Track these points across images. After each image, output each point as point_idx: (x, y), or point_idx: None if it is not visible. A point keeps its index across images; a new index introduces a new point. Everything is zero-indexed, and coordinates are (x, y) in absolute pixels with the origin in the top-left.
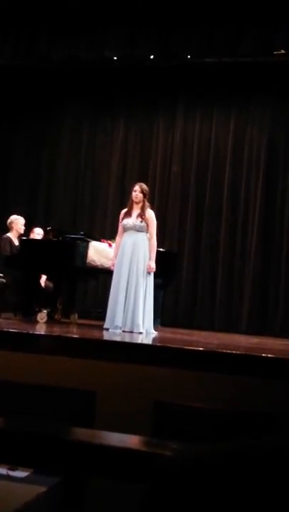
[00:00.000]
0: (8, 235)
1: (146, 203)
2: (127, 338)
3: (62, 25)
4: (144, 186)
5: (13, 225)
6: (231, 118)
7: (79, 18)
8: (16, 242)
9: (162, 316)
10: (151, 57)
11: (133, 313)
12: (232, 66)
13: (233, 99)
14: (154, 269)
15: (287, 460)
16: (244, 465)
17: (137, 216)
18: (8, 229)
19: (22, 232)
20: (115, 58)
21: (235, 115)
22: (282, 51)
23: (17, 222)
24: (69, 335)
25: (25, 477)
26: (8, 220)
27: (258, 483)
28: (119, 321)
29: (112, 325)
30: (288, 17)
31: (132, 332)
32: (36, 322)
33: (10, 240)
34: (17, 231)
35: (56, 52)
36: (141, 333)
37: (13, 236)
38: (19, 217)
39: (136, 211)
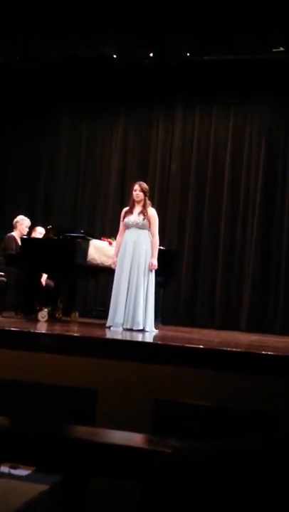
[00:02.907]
0: (13, 233)
1: (148, 201)
2: (128, 337)
3: (61, 23)
4: (144, 185)
5: (18, 224)
6: (230, 115)
7: (78, 17)
8: (19, 242)
9: (163, 315)
10: (151, 55)
11: (134, 310)
12: (231, 64)
13: (232, 96)
14: (156, 267)
15: (285, 457)
16: (243, 463)
17: (139, 213)
18: (12, 227)
19: (25, 233)
20: (114, 56)
21: (234, 113)
22: (281, 48)
23: (22, 222)
24: (70, 333)
25: (27, 475)
26: (14, 220)
27: (257, 480)
28: (120, 318)
29: (113, 322)
30: (287, 14)
31: (132, 330)
32: (37, 321)
33: (14, 239)
34: (20, 231)
35: (55, 51)
36: (141, 330)
37: (16, 235)
38: (25, 218)
39: (137, 209)
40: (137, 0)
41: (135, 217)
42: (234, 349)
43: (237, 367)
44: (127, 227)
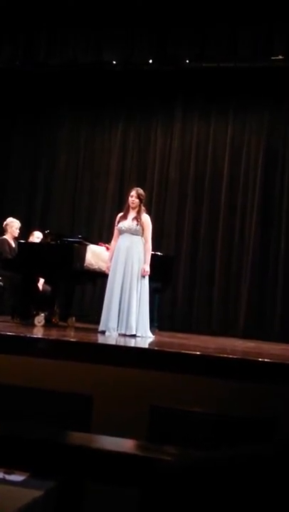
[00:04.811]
0: (5, 237)
1: (143, 208)
2: (123, 342)
3: (61, 29)
4: (141, 191)
5: (8, 227)
6: (229, 122)
7: (78, 22)
8: (13, 245)
9: (159, 320)
10: (150, 61)
11: (127, 315)
12: (230, 71)
13: (231, 103)
14: (149, 273)
15: (284, 465)
16: (243, 471)
17: (133, 219)
18: (3, 231)
19: (16, 235)
20: (114, 62)
21: (233, 120)
22: (280, 57)
23: (12, 224)
24: (66, 338)
25: (22, 481)
26: (4, 222)
27: (257, 488)
28: (113, 323)
29: (106, 326)
30: (286, 23)
31: (125, 335)
32: (34, 325)
33: (7, 242)
34: (11, 234)
35: (55, 56)
36: (134, 335)
37: (9, 238)
38: (15, 220)
39: (132, 215)
40: (137, 6)
41: (129, 222)
42: (230, 356)
43: (233, 374)
44: (121, 232)
